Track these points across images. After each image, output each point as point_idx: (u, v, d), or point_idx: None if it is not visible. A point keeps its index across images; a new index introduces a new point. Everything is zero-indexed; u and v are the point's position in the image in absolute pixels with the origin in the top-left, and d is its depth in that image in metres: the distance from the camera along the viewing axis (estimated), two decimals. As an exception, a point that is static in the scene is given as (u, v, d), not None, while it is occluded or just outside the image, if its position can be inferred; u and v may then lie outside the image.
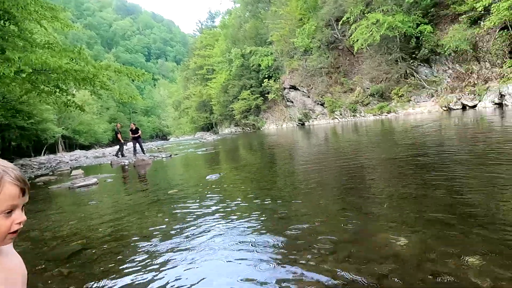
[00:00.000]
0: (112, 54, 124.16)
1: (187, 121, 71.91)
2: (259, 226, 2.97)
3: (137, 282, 2.17)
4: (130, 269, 2.39)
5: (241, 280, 2.03)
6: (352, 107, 28.10)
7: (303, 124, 35.65)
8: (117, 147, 16.98)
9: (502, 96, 14.81)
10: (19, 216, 0.84)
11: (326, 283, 1.84)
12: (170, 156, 14.44)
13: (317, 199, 3.70)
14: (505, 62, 17.36)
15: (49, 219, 4.40)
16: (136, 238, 3.07)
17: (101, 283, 2.22)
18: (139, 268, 2.39)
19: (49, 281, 2.33)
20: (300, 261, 2.15)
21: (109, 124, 61.39)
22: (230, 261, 2.31)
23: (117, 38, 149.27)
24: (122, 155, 16.52)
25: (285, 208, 3.50)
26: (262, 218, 3.21)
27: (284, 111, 42.15)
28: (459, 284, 1.66)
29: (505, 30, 17.40)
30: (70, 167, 14.61)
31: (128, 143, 29.41)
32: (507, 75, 16.31)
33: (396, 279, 1.79)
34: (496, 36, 17.86)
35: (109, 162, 14.98)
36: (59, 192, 7.07)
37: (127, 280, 2.23)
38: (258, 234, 2.76)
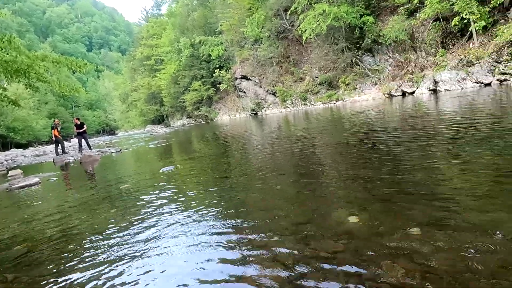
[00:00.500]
0: (48, 43, 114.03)
1: (136, 114, 68.94)
2: (217, 213, 2.98)
3: (91, 280, 2.08)
4: (83, 268, 2.28)
5: (203, 265, 2.04)
6: (303, 96, 28.86)
7: (256, 114, 35.93)
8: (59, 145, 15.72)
9: (436, 83, 16.12)
10: None
11: (285, 262, 1.92)
12: (120, 150, 13.82)
13: (273, 184, 3.79)
14: (438, 51, 18.89)
15: (-15, 224, 4.02)
16: (87, 236, 2.92)
17: (51, 286, 2.10)
18: (93, 265, 2.29)
19: (-9, 288, 2.15)
20: (260, 244, 2.21)
21: (48, 120, 56.91)
22: (190, 250, 2.30)
23: (53, 26, 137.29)
24: (63, 152, 15.43)
25: (242, 194, 3.54)
26: (220, 206, 3.22)
27: (236, 101, 42.09)
28: (404, 251, 1.82)
29: (438, 22, 18.88)
30: (6, 168, 13.36)
31: (72, 140, 27.50)
32: (440, 64, 17.76)
33: (349, 253, 1.91)
34: (430, 27, 19.32)
35: (52, 160, 13.95)
36: (-5, 195, 6.46)
37: (80, 279, 2.12)
38: (217, 221, 2.77)
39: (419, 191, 2.71)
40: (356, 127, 8.60)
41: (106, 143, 24.61)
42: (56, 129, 15.14)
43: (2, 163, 17.87)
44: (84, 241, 2.79)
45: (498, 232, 1.85)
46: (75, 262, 2.38)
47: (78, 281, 2.09)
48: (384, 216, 2.34)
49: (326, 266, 1.82)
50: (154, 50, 58.39)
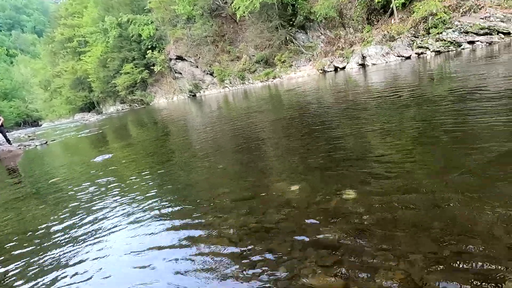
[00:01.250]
0: None
1: (62, 102, 62.91)
2: (159, 197, 2.90)
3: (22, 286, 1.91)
4: (11, 273, 2.08)
5: (146, 254, 1.98)
6: (241, 75, 28.77)
7: (194, 95, 35.10)
8: None
9: (364, 57, 17.14)
10: None
11: (231, 238, 1.94)
12: (46, 143, 12.64)
13: (215, 164, 3.77)
14: (364, 27, 19.99)
15: None
16: (14, 238, 2.66)
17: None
18: (21, 270, 2.10)
19: None
20: (205, 223, 2.20)
21: (-46, 114, 49.55)
22: (130, 240, 2.22)
23: None
24: None
25: (184, 176, 3.48)
26: (162, 189, 3.14)
27: (173, 83, 40.57)
28: (340, 214, 1.96)
29: (363, -1, 19.88)
30: None
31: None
32: (366, 39, 18.86)
33: (291, 221, 1.99)
34: (356, 4, 20.28)
35: (-37, 159, 12.26)
36: None
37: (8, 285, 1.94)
38: (159, 206, 2.70)
39: (351, 157, 2.90)
40: (292, 102, 8.86)
41: (29, 136, 22.25)
42: None
43: None
44: (10, 244, 2.53)
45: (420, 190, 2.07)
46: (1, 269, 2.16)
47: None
48: (321, 183, 2.48)
49: (271, 236, 1.88)
50: (76, 30, 53.10)
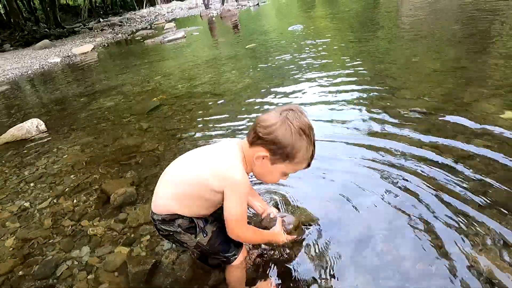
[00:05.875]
0: None
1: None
2: (349, 82, 2.64)
3: (202, 138, 2.21)
4: (198, 125, 2.44)
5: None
6: None
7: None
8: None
9: None
10: None
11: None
12: (257, 4, 13.53)
13: (412, 52, 3.04)
14: None
15: (139, 74, 4.73)
16: (207, 96, 3.08)
17: (178, 137, 2.35)
18: (204, 125, 2.42)
19: (131, 133, 2.57)
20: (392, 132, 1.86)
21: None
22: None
23: None
24: (207, 6, 15.98)
25: (381, 64, 3.00)
26: (355, 74, 2.83)
27: None
28: None
29: None
30: (165, 20, 15.04)
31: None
32: None
33: (481, 161, 1.40)
34: None
35: (199, 13, 14.89)
36: (152, 47, 7.44)
37: (193, 135, 2.29)
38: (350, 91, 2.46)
39: None
40: None
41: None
42: None
43: (164, 15, 20.15)
44: (204, 101, 2.96)
45: None
46: (192, 120, 2.58)
47: (190, 138, 2.26)
48: None
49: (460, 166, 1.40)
50: None
